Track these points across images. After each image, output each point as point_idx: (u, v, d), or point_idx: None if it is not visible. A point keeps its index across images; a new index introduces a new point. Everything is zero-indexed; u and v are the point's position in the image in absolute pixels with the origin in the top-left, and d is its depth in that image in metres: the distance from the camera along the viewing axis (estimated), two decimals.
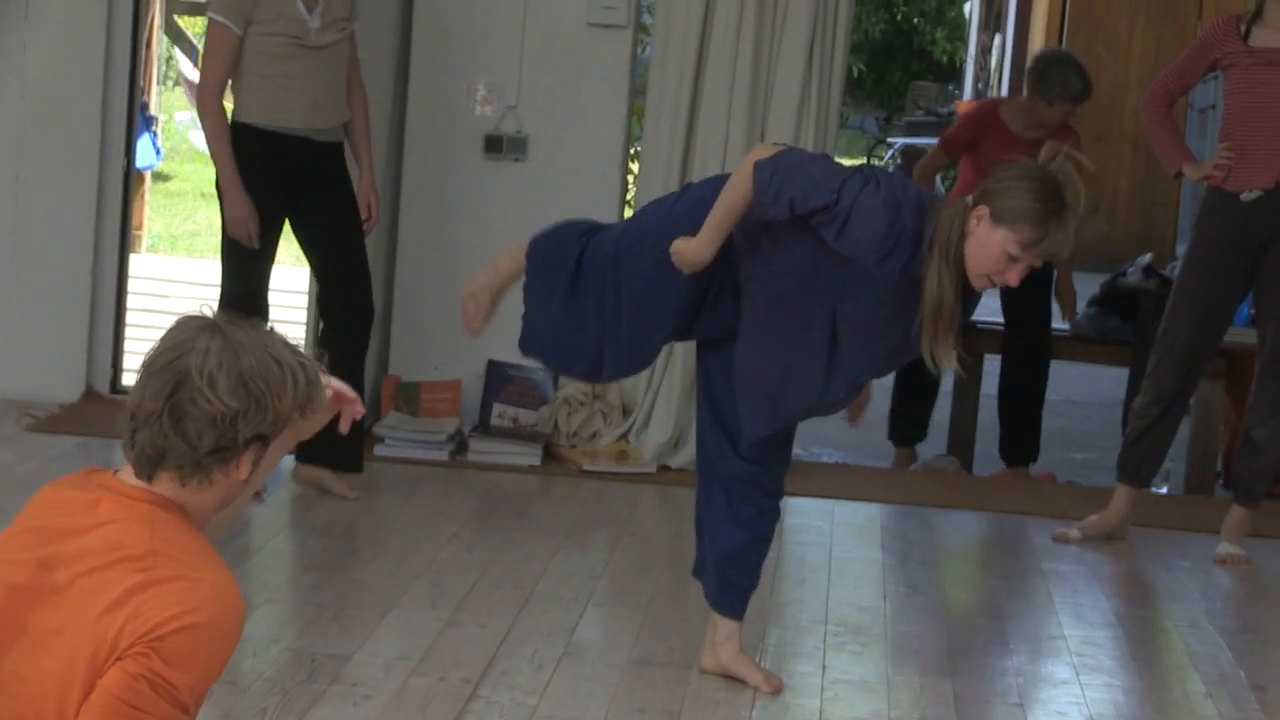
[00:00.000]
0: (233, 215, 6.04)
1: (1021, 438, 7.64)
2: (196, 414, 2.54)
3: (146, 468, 2.59)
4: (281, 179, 6.11)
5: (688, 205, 4.45)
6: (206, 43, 6.22)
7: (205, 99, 6.10)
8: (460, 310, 4.71)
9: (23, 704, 2.52)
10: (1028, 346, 7.61)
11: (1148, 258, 8.28)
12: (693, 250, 4.27)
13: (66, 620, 2.52)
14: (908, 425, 7.79)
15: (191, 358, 2.55)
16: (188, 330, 2.60)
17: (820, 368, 4.34)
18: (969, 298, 4.26)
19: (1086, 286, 8.29)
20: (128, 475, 2.62)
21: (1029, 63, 7.84)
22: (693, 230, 4.29)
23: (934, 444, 7.88)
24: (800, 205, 4.13)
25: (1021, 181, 4.10)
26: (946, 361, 4.15)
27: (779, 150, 4.22)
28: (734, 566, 4.67)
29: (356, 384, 6.15)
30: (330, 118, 6.17)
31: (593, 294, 4.51)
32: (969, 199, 4.16)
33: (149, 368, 2.59)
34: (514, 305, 7.09)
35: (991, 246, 4.09)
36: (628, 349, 4.53)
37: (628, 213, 7.60)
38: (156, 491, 2.59)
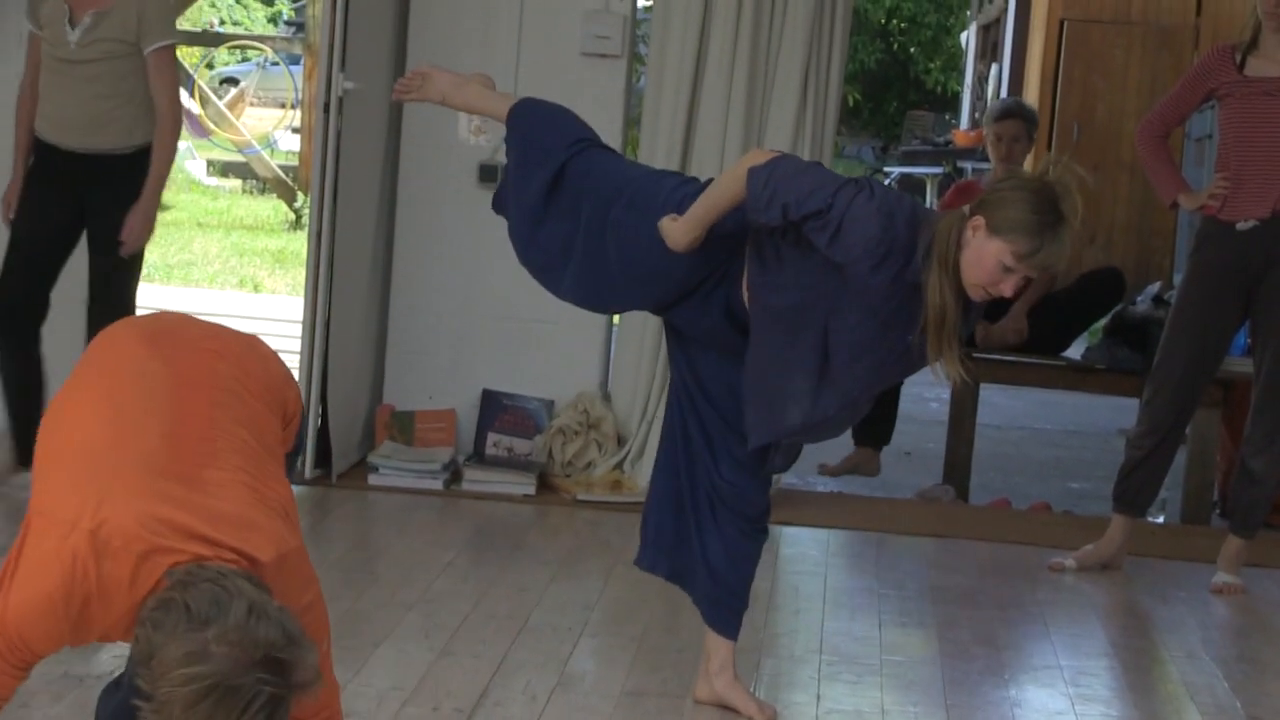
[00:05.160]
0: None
1: (881, 419, 7.59)
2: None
3: None
4: (62, 182, 6.23)
5: (690, 196, 4.37)
6: None
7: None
8: (404, 77, 4.72)
9: None
10: None
11: (1157, 286, 8.24)
12: (677, 232, 4.25)
13: None
14: (866, 422, 7.64)
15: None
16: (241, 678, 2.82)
17: (810, 384, 4.29)
18: (968, 309, 4.21)
19: None
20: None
21: None
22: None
23: (930, 473, 7.87)
24: (794, 211, 4.09)
25: (1018, 192, 4.07)
26: (953, 371, 4.11)
27: (774, 156, 4.19)
28: (721, 586, 4.65)
29: None
30: (83, 139, 6.22)
31: (569, 212, 4.46)
32: (965, 209, 4.13)
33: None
34: (504, 340, 7.12)
35: (987, 257, 4.06)
36: (603, 288, 4.47)
37: None
38: None
